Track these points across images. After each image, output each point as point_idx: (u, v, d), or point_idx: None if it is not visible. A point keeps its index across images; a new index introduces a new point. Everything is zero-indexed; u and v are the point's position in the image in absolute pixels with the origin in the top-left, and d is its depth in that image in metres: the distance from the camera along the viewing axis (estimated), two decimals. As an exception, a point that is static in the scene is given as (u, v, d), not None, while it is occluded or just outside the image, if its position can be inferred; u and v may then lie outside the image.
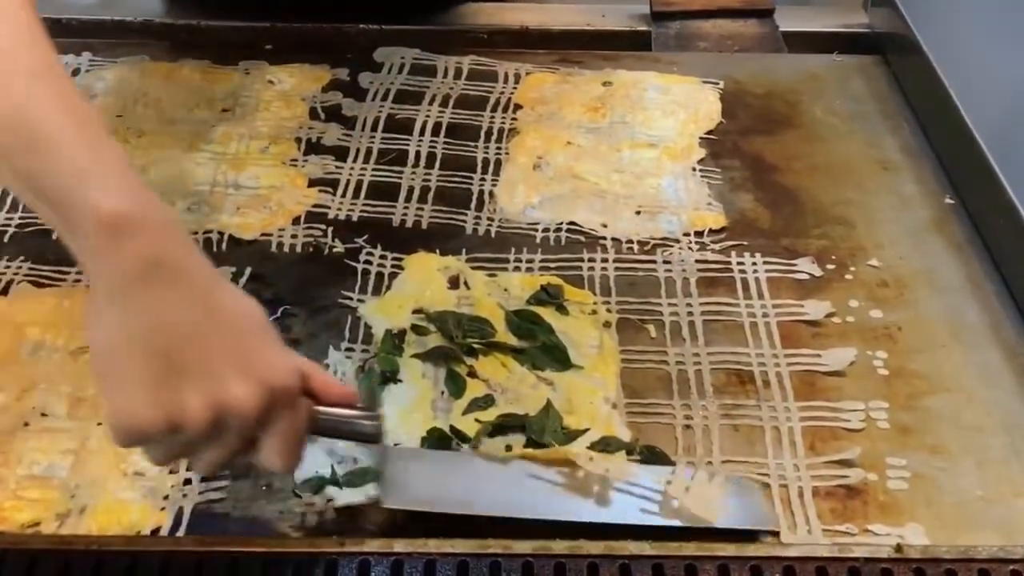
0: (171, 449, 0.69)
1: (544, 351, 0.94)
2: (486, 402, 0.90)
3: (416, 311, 0.98)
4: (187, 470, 0.82)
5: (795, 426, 0.89)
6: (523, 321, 0.97)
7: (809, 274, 1.05)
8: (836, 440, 0.89)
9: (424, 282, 1.02)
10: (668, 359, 0.96)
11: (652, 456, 0.86)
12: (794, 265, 1.05)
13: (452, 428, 0.87)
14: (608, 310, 1.00)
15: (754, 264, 1.06)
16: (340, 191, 1.14)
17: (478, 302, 0.99)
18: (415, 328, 0.96)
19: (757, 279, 1.04)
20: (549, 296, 1.00)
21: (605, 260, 1.06)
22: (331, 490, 0.83)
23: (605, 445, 0.87)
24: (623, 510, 0.81)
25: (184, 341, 0.66)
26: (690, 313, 1.00)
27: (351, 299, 1.00)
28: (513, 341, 0.96)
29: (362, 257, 1.05)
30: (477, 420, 0.88)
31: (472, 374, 0.92)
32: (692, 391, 0.93)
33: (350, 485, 0.83)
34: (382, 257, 1.05)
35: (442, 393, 0.91)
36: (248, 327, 0.70)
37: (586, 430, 0.88)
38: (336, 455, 0.85)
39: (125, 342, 0.66)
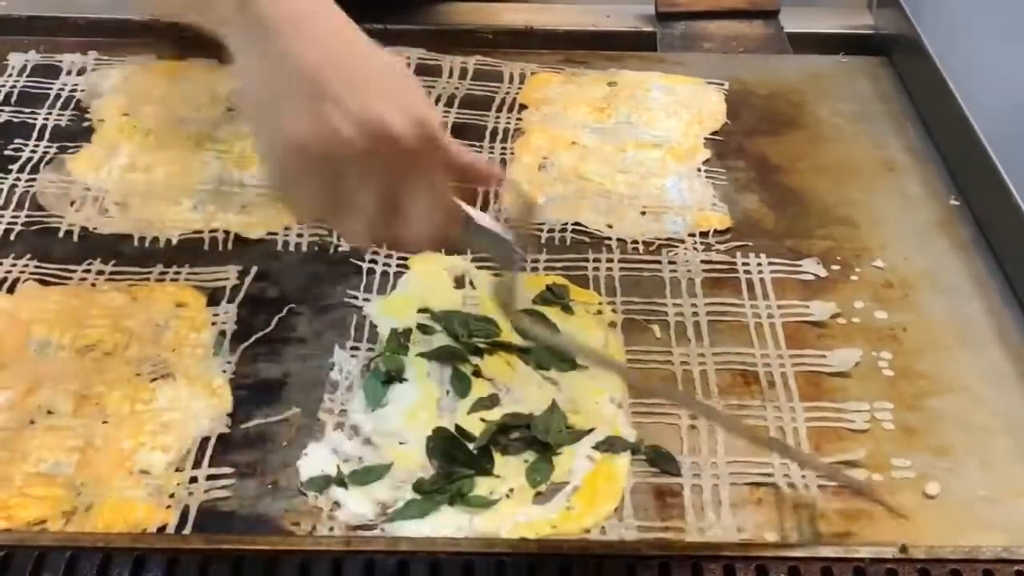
0: (322, 191, 0.67)
1: (549, 351, 0.95)
2: (491, 401, 0.90)
3: (422, 310, 0.98)
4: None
5: (800, 427, 0.90)
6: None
7: (814, 275, 1.05)
8: (841, 441, 0.89)
9: (430, 282, 1.02)
10: (673, 359, 0.96)
11: (658, 456, 0.86)
12: (799, 266, 1.06)
13: (457, 427, 0.87)
14: (613, 310, 1.00)
15: (759, 265, 1.06)
16: (345, 190, 1.14)
17: (483, 302, 1.00)
18: (421, 327, 0.96)
19: (762, 280, 1.04)
20: (554, 296, 1.00)
21: (610, 260, 1.06)
22: (337, 492, 0.83)
23: (610, 445, 0.87)
24: None
25: (332, 68, 0.66)
26: (695, 313, 1.00)
27: (357, 298, 1.01)
28: (518, 341, 0.96)
29: (368, 256, 1.05)
30: (482, 419, 0.88)
31: (477, 373, 0.93)
32: (697, 391, 0.93)
33: (356, 484, 0.83)
34: (388, 256, 1.05)
35: (447, 392, 0.91)
36: (395, 69, 0.69)
37: (591, 430, 0.88)
38: (342, 454, 0.86)
39: (274, 71, 0.66)
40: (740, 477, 0.85)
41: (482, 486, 0.84)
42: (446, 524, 0.81)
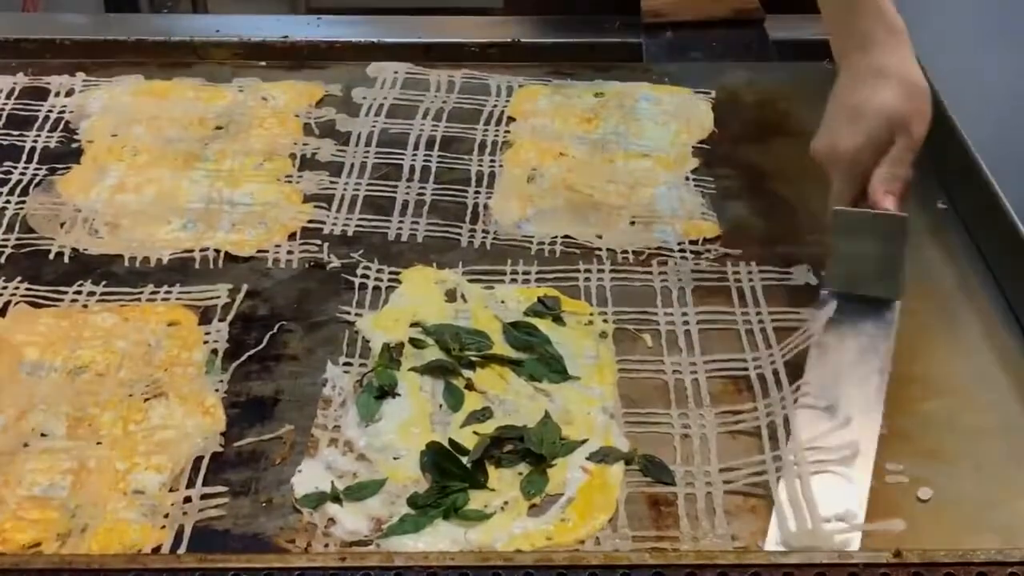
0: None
1: (541, 362, 0.95)
2: (484, 415, 0.90)
3: (413, 324, 0.99)
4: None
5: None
6: (520, 333, 0.97)
7: (805, 282, 1.05)
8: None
9: (421, 296, 1.02)
10: (665, 368, 0.96)
11: (651, 466, 0.86)
12: (789, 273, 1.06)
13: (451, 441, 0.87)
14: (605, 320, 1.00)
15: (749, 273, 1.06)
16: (335, 206, 1.15)
17: (475, 315, 1.00)
18: (413, 342, 0.97)
19: (752, 287, 1.04)
20: (546, 308, 1.01)
21: (601, 271, 1.06)
22: (331, 508, 0.83)
23: (604, 455, 0.87)
24: None
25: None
26: (686, 322, 1.00)
27: (348, 313, 1.01)
28: (510, 353, 0.96)
29: (359, 271, 1.06)
30: (476, 433, 0.88)
31: (470, 387, 0.93)
32: (689, 400, 0.93)
33: (350, 499, 0.83)
34: (379, 271, 1.06)
35: (440, 406, 0.91)
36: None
37: (584, 441, 0.88)
38: (336, 470, 0.86)
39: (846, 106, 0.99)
40: (734, 485, 0.85)
41: (477, 499, 0.84)
42: (441, 538, 0.81)
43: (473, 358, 0.95)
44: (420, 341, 0.97)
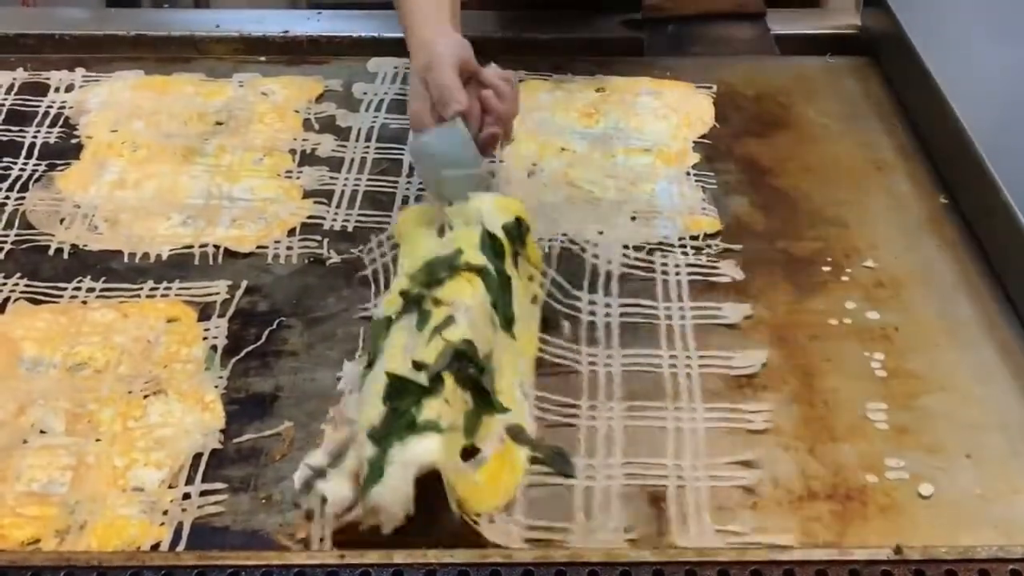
0: None
1: (501, 291, 0.93)
2: (447, 323, 0.87)
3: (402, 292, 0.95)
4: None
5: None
6: (495, 245, 0.95)
7: (731, 277, 1.04)
8: (834, 442, 0.89)
9: (418, 248, 0.98)
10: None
11: (556, 456, 0.86)
12: (716, 269, 1.06)
13: (414, 363, 0.84)
14: (541, 285, 0.99)
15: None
16: (335, 202, 1.15)
17: (459, 236, 0.96)
18: (402, 294, 0.93)
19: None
20: (519, 232, 0.98)
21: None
22: (320, 486, 0.80)
23: (516, 433, 0.86)
24: None
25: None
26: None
27: (366, 309, 1.00)
28: (481, 261, 0.93)
29: (367, 260, 1.05)
30: (441, 338, 0.86)
31: (437, 303, 0.90)
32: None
33: (332, 468, 0.81)
34: (383, 255, 1.05)
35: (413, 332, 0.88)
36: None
37: (509, 410, 0.87)
38: (333, 453, 0.84)
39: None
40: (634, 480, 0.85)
41: (431, 408, 0.81)
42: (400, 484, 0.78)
43: (442, 275, 0.92)
44: (406, 291, 0.93)
